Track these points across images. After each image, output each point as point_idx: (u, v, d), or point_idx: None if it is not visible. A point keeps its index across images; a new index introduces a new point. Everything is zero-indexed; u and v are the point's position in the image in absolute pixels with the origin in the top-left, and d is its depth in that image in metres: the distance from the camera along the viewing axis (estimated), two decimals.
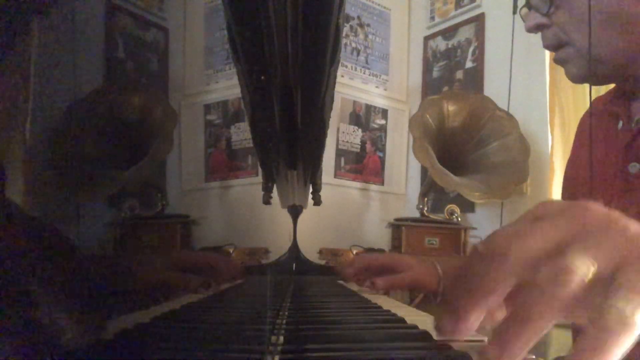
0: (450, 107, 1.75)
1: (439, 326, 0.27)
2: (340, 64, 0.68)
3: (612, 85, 0.74)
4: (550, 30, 0.65)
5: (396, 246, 1.74)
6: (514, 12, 1.82)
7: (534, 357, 0.32)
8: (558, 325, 0.25)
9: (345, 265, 0.86)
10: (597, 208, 0.26)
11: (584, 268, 0.23)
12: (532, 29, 0.66)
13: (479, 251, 0.27)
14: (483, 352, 0.24)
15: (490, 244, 0.27)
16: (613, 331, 0.22)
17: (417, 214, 1.78)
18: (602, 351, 0.22)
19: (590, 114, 0.77)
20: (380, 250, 1.69)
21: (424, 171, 1.87)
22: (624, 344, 0.22)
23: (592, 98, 0.84)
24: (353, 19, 1.98)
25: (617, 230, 0.25)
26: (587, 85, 0.70)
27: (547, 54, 1.67)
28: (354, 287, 0.91)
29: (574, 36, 0.62)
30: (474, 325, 0.27)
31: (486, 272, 0.26)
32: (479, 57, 1.90)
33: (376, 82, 2.04)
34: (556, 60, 0.67)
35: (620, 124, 0.68)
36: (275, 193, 0.99)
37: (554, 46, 0.66)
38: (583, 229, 0.25)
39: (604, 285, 0.24)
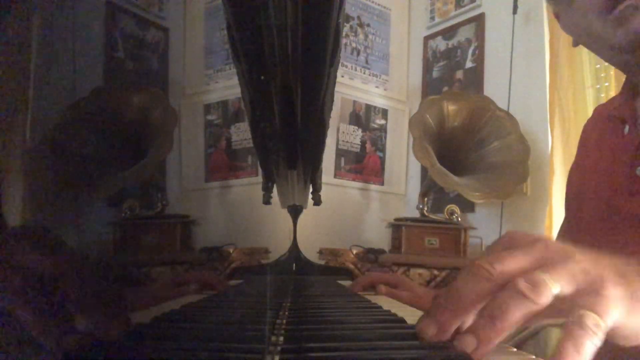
0: (450, 107, 1.75)
1: (422, 329, 0.34)
2: (340, 64, 0.68)
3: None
4: None
5: (396, 246, 1.73)
6: (514, 12, 1.82)
7: (533, 357, 0.33)
8: (556, 326, 0.27)
9: (353, 284, 0.92)
10: (556, 243, 0.34)
11: (553, 283, 0.30)
12: None
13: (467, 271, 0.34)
14: (461, 340, 0.31)
15: (472, 266, 0.33)
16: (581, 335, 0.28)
17: (417, 214, 1.77)
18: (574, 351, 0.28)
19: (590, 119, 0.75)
20: (380, 251, 1.69)
21: (424, 171, 1.87)
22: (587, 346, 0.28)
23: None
24: (353, 19, 1.98)
25: (574, 261, 0.32)
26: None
27: (547, 53, 1.66)
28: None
29: None
30: (452, 331, 0.33)
31: (471, 289, 0.32)
32: (479, 57, 1.89)
33: (376, 82, 2.04)
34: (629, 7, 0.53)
35: (627, 128, 0.66)
36: (275, 193, 0.99)
37: None
38: (549, 258, 0.32)
39: (564, 301, 0.30)
